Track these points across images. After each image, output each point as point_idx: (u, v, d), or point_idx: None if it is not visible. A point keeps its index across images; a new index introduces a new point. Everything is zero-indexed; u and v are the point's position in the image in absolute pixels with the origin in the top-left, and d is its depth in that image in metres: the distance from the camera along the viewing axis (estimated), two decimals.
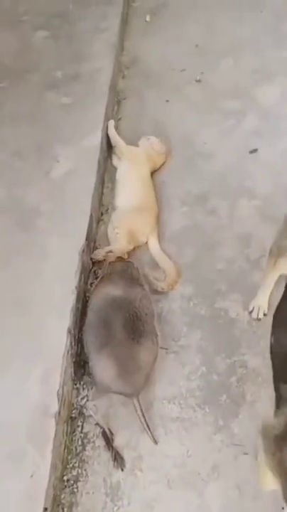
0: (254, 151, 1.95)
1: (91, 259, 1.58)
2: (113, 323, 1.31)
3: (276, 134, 2.00)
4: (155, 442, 1.26)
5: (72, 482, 1.21)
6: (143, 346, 1.30)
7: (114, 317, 1.32)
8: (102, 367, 1.28)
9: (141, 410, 1.27)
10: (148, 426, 1.27)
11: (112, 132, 1.91)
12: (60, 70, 2.12)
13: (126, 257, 1.59)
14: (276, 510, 1.16)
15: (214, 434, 1.27)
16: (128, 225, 1.64)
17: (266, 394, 1.33)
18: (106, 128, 1.92)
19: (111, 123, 1.94)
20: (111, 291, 1.39)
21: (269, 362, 1.37)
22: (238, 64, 2.31)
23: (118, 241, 1.62)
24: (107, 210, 1.79)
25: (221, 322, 1.48)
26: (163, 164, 1.89)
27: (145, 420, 1.26)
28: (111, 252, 1.58)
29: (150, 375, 1.33)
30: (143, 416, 1.26)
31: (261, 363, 1.39)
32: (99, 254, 1.59)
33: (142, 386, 1.29)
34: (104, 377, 1.28)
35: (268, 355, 1.38)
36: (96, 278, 1.58)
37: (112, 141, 1.90)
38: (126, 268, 1.47)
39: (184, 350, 1.43)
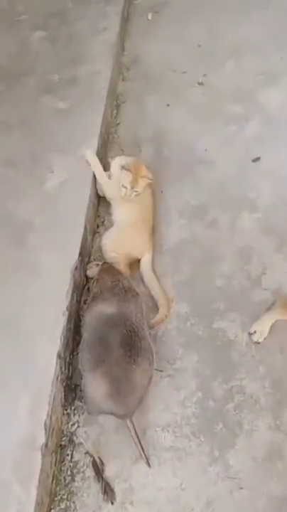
0: (257, 159, 1.87)
1: (85, 276, 1.52)
2: (109, 340, 1.26)
3: (280, 140, 1.92)
4: (149, 465, 1.22)
5: None
6: (140, 367, 1.24)
7: (110, 334, 1.27)
8: (95, 385, 1.23)
9: (135, 432, 1.22)
10: (142, 448, 1.22)
11: (93, 161, 1.67)
12: (57, 72, 2.04)
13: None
14: None
15: (210, 466, 1.22)
16: (123, 246, 1.56)
17: (264, 423, 1.27)
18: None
19: (90, 152, 1.68)
20: (104, 309, 1.33)
21: (268, 389, 1.32)
22: (241, 66, 2.22)
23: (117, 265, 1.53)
24: (103, 222, 1.73)
25: (219, 344, 1.42)
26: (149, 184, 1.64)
27: (139, 442, 1.22)
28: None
29: (144, 397, 1.27)
30: (138, 437, 1.22)
31: (259, 389, 1.33)
32: (95, 271, 1.53)
33: (135, 408, 1.24)
34: (95, 396, 1.23)
35: (267, 381, 1.33)
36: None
37: (93, 170, 1.67)
38: (117, 282, 1.40)
39: (179, 374, 1.37)
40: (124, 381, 1.22)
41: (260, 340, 1.40)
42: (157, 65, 2.26)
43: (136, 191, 1.58)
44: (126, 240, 1.58)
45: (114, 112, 2.11)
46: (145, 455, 1.22)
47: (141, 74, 2.25)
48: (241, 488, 1.18)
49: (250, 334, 1.42)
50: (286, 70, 2.18)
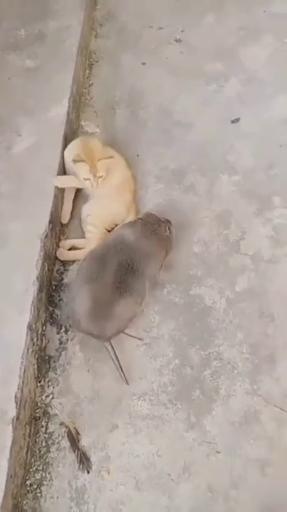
0: (236, 120, 1.79)
1: (56, 258, 1.46)
2: (108, 264, 1.27)
3: (261, 100, 1.84)
4: (127, 383, 1.24)
5: (35, 486, 1.15)
6: (124, 301, 1.25)
7: (112, 258, 1.28)
8: (79, 300, 1.26)
9: (114, 353, 1.25)
10: (121, 367, 1.24)
11: (64, 182, 1.52)
12: (23, 28, 1.90)
13: None
14: (249, 511, 1.11)
15: (186, 432, 1.21)
16: (104, 218, 1.49)
17: (242, 388, 1.26)
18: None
19: (58, 180, 1.51)
20: (126, 234, 1.35)
21: (246, 354, 1.30)
22: (221, 20, 2.09)
23: (87, 242, 1.47)
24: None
25: (196, 310, 1.39)
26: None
27: (118, 361, 1.24)
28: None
29: (123, 330, 1.29)
30: (117, 358, 1.24)
31: (237, 355, 1.31)
32: (64, 254, 1.47)
33: (111, 334, 1.26)
34: (77, 311, 1.26)
35: (245, 346, 1.32)
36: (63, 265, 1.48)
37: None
38: (157, 224, 1.39)
39: (156, 342, 1.34)
40: (106, 305, 1.24)
41: None
42: (132, 21, 2.12)
43: (100, 176, 1.45)
44: (108, 211, 1.51)
45: (87, 71, 1.98)
46: (123, 373, 1.24)
47: (115, 30, 2.11)
48: (218, 452, 1.18)
49: None
50: (269, 24, 2.07)
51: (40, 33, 1.89)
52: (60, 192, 1.53)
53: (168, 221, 1.43)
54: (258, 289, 1.41)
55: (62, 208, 1.55)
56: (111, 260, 1.27)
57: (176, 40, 2.06)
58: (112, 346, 1.25)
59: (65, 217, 1.54)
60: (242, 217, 1.56)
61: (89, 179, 1.45)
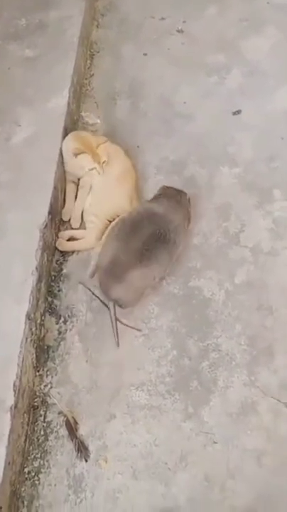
0: (238, 112, 1.78)
1: (55, 248, 1.46)
2: (141, 230, 1.32)
3: (262, 92, 1.83)
4: (118, 345, 1.28)
5: (33, 474, 1.16)
6: (142, 269, 1.29)
7: (145, 226, 1.33)
8: (103, 254, 1.33)
9: (114, 314, 1.28)
10: (116, 330, 1.28)
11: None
12: (23, 17, 1.89)
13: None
14: (245, 501, 1.12)
15: (184, 422, 1.21)
16: (106, 208, 1.48)
17: (239, 379, 1.26)
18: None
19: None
20: (155, 206, 1.40)
21: (244, 346, 1.30)
22: (224, 11, 2.07)
23: (88, 233, 1.47)
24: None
25: (195, 302, 1.39)
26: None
27: (115, 324, 1.28)
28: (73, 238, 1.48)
29: (130, 298, 1.32)
30: (115, 319, 1.28)
31: (235, 346, 1.31)
32: (63, 244, 1.47)
33: (117, 296, 1.29)
34: (99, 263, 1.35)
35: (243, 338, 1.32)
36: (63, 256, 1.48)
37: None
38: (178, 195, 1.45)
39: (154, 333, 1.34)
40: (123, 267, 1.28)
41: None
42: (134, 11, 2.11)
43: (104, 162, 1.49)
44: (110, 202, 1.50)
45: (88, 61, 1.97)
46: (117, 337, 1.28)
47: (117, 20, 2.09)
48: (215, 442, 1.18)
49: None
50: (272, 16, 2.05)
51: (41, 22, 1.87)
52: (59, 183, 1.53)
53: (184, 192, 1.47)
54: (257, 281, 1.41)
55: (64, 205, 1.54)
56: (144, 228, 1.32)
57: (178, 31, 2.04)
58: (115, 308, 1.28)
59: (67, 215, 1.54)
60: (242, 210, 1.55)
61: (95, 168, 1.47)
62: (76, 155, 1.47)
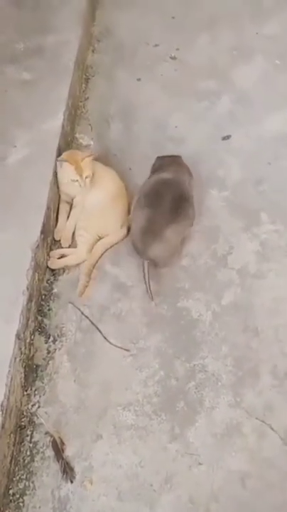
0: (227, 137, 1.83)
1: (46, 267, 1.48)
2: (164, 195, 1.47)
3: (251, 118, 1.89)
4: (152, 299, 1.41)
5: (18, 496, 1.16)
6: (175, 225, 1.44)
7: (166, 191, 1.48)
8: (136, 221, 1.47)
9: (148, 272, 1.41)
10: (150, 288, 1.40)
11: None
12: (21, 41, 1.95)
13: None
14: None
15: (170, 443, 1.22)
16: (98, 226, 1.52)
17: (225, 400, 1.28)
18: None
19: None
20: (163, 175, 1.54)
21: (230, 367, 1.32)
22: (216, 40, 2.16)
23: (78, 247, 1.51)
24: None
25: (183, 323, 1.42)
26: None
27: (148, 282, 1.40)
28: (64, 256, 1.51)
29: (166, 255, 1.47)
30: (148, 278, 1.40)
31: (221, 368, 1.33)
32: (55, 262, 1.50)
33: (154, 255, 1.43)
34: (134, 227, 1.48)
35: (229, 359, 1.34)
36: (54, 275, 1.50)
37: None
38: (175, 159, 1.62)
39: (142, 353, 1.36)
40: (158, 227, 1.42)
41: None
42: (129, 37, 2.18)
43: (87, 176, 1.50)
44: (102, 219, 1.54)
45: (83, 85, 2.03)
46: (151, 293, 1.40)
47: (112, 46, 2.17)
48: (200, 463, 1.19)
49: None
50: (261, 45, 2.14)
51: (39, 46, 1.93)
52: (52, 203, 1.56)
53: (178, 155, 1.64)
54: (243, 303, 1.44)
55: (56, 224, 1.57)
56: (167, 192, 1.47)
57: (171, 58, 2.12)
58: (147, 267, 1.40)
59: (58, 234, 1.56)
60: (230, 232, 1.59)
61: (76, 180, 1.50)
62: (60, 163, 1.51)
